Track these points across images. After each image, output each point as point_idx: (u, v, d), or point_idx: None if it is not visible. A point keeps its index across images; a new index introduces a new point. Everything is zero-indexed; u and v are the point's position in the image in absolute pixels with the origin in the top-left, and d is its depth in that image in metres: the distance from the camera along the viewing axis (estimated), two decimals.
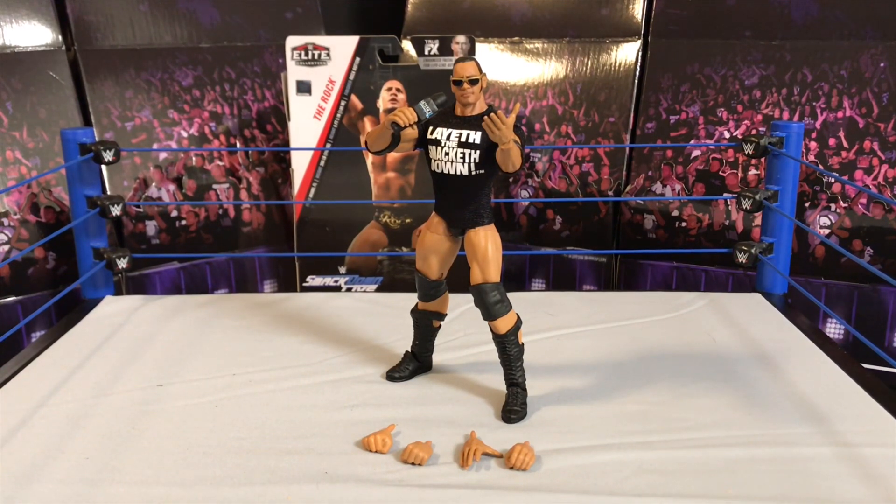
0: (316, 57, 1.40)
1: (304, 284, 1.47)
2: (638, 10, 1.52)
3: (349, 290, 1.44)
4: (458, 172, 0.84)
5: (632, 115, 1.49)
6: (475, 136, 0.83)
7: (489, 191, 0.86)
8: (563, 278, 1.51)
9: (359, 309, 1.19)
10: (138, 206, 1.40)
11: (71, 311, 1.18)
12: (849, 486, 0.72)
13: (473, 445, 0.77)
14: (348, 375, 0.96)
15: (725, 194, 1.37)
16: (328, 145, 1.43)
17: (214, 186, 1.48)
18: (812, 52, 1.39)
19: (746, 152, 1.22)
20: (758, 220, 1.31)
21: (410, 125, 0.83)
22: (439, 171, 0.85)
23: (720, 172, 1.39)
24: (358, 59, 1.41)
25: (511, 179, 1.54)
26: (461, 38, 1.41)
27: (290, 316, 1.15)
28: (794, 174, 1.20)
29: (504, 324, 0.86)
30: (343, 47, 1.41)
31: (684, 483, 0.73)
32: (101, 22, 1.47)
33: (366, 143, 0.87)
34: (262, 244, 1.53)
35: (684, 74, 1.47)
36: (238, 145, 1.55)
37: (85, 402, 0.89)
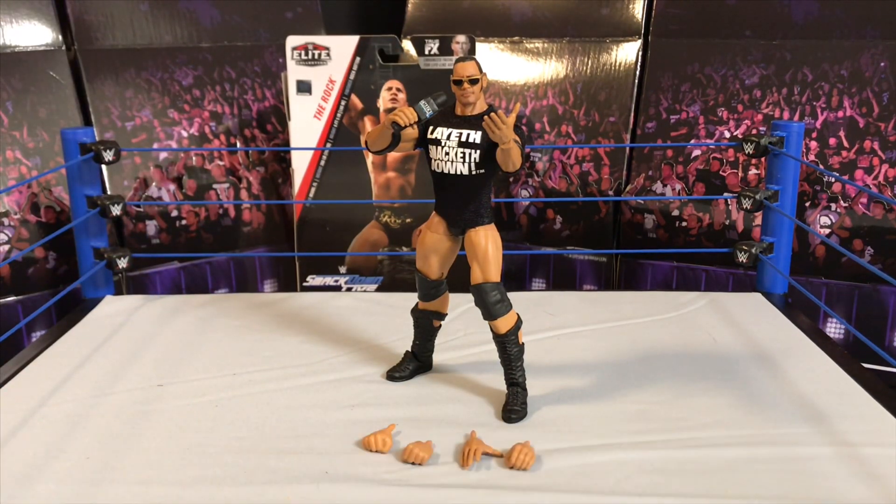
0: (316, 56, 1.40)
1: (305, 284, 1.47)
2: (638, 10, 1.52)
3: (349, 289, 1.44)
4: (459, 172, 0.84)
5: (632, 114, 1.49)
6: (475, 136, 0.83)
7: (489, 190, 0.86)
8: (564, 278, 1.51)
9: (359, 309, 1.19)
10: (138, 206, 1.40)
11: (71, 311, 1.18)
12: (849, 486, 0.72)
13: (473, 445, 0.77)
14: (348, 375, 0.96)
15: (726, 194, 1.37)
16: (328, 145, 1.43)
17: (215, 186, 1.48)
18: (812, 52, 1.39)
19: (747, 152, 1.22)
20: (758, 220, 1.31)
21: (410, 125, 0.83)
22: (439, 170, 0.85)
23: (720, 172, 1.39)
24: (358, 59, 1.41)
25: (511, 179, 1.54)
26: (461, 38, 1.40)
27: (290, 316, 1.15)
28: (795, 174, 1.20)
29: (504, 323, 0.86)
30: (343, 47, 1.41)
31: (684, 483, 0.73)
32: (102, 22, 1.47)
33: (366, 142, 0.87)
34: (262, 244, 1.53)
35: (684, 74, 1.47)
36: (238, 145, 1.55)
37: (85, 402, 0.89)
